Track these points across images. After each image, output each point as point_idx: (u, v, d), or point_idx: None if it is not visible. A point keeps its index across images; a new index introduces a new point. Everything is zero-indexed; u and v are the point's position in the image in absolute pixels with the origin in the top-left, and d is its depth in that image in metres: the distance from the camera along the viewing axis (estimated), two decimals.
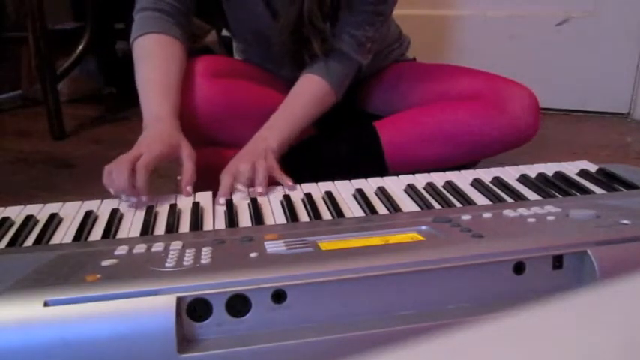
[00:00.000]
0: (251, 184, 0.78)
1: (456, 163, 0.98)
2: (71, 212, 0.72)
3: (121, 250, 0.53)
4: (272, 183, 0.79)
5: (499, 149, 1.00)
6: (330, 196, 0.73)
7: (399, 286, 0.46)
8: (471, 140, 0.97)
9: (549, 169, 0.81)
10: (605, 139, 1.50)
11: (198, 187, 0.78)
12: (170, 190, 0.80)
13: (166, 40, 0.90)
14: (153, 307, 0.42)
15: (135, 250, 0.53)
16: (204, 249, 0.51)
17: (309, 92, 0.95)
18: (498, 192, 0.73)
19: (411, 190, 0.75)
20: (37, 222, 0.69)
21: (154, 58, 0.88)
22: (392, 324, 0.45)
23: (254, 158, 0.81)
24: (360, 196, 0.73)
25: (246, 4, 0.98)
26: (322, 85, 0.94)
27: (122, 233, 0.66)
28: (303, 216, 0.69)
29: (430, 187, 0.75)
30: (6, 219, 0.69)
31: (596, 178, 0.77)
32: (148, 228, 0.66)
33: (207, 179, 0.79)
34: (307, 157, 1.00)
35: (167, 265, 0.48)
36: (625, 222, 0.52)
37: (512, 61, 1.65)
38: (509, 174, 0.80)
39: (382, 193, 0.74)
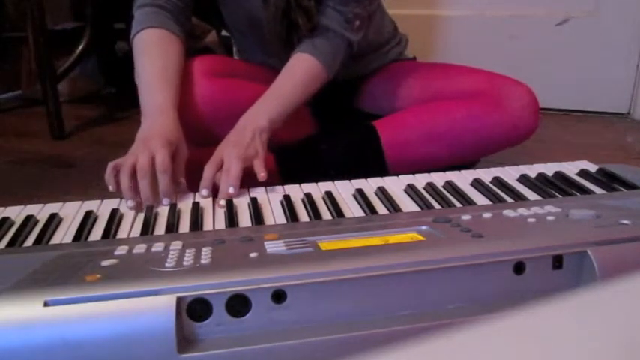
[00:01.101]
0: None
1: (456, 161, 0.98)
2: (71, 212, 0.72)
3: (121, 250, 0.53)
4: (251, 172, 0.79)
5: (499, 147, 1.00)
6: (330, 196, 0.73)
7: (399, 286, 0.46)
8: (471, 138, 0.97)
9: (549, 169, 0.81)
10: (605, 139, 1.50)
11: (198, 187, 0.78)
12: None
13: (165, 34, 0.90)
14: (153, 307, 0.42)
15: (135, 250, 0.53)
16: (204, 249, 0.51)
17: (299, 70, 0.94)
18: (498, 192, 0.73)
19: (411, 190, 0.75)
20: (37, 222, 0.69)
21: (153, 52, 0.89)
22: (392, 324, 0.45)
23: (241, 147, 0.81)
24: (360, 196, 0.73)
25: None
26: (311, 62, 0.94)
27: (122, 233, 0.66)
28: (303, 216, 0.69)
29: (430, 187, 0.75)
30: (6, 219, 0.69)
31: (596, 178, 0.77)
32: (148, 228, 0.66)
33: None
34: (307, 157, 1.00)
35: (167, 265, 0.48)
36: (625, 222, 0.52)
37: (512, 61, 1.65)
38: (509, 174, 0.80)
39: (382, 193, 0.74)
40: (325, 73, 0.95)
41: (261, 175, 0.78)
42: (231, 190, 0.75)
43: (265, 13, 0.96)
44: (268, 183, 0.79)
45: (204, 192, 0.75)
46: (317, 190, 0.76)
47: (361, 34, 0.99)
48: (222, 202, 0.73)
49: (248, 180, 0.78)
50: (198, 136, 0.94)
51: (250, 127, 0.85)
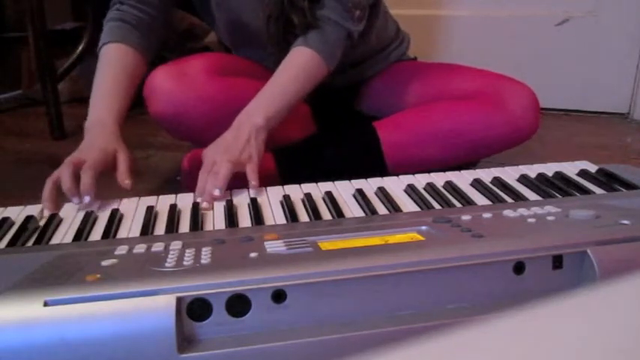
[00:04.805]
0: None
1: (456, 162, 0.98)
2: (71, 212, 0.72)
3: (121, 250, 0.53)
4: (245, 177, 0.78)
5: (499, 148, 1.00)
6: (330, 196, 0.73)
7: (399, 286, 0.46)
8: (471, 139, 0.97)
9: (549, 169, 0.81)
10: (605, 139, 1.50)
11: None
12: (170, 190, 0.80)
13: (123, 49, 0.93)
14: (153, 307, 0.42)
15: (135, 250, 0.53)
16: (204, 249, 0.51)
17: (297, 64, 0.92)
18: (498, 192, 0.73)
19: (411, 190, 0.75)
20: (37, 222, 0.69)
21: (107, 67, 0.92)
22: (392, 324, 0.45)
23: (235, 150, 0.80)
24: (360, 196, 0.73)
25: None
26: (310, 55, 0.91)
27: (122, 233, 0.66)
28: (303, 216, 0.69)
29: (430, 187, 0.75)
30: (6, 219, 0.69)
31: (596, 178, 0.77)
32: (147, 228, 0.66)
33: None
34: (307, 157, 1.00)
35: (167, 265, 0.48)
36: (625, 222, 0.52)
37: (512, 61, 1.65)
38: (509, 174, 0.80)
39: (382, 193, 0.74)
40: (325, 65, 0.93)
41: (253, 183, 0.77)
42: (216, 192, 0.73)
43: (259, 19, 0.96)
44: (268, 183, 0.79)
45: (199, 199, 0.74)
46: (317, 190, 0.76)
47: (362, 24, 0.97)
48: (206, 204, 0.72)
49: (242, 183, 0.78)
50: (200, 136, 0.94)
51: (246, 127, 0.83)
